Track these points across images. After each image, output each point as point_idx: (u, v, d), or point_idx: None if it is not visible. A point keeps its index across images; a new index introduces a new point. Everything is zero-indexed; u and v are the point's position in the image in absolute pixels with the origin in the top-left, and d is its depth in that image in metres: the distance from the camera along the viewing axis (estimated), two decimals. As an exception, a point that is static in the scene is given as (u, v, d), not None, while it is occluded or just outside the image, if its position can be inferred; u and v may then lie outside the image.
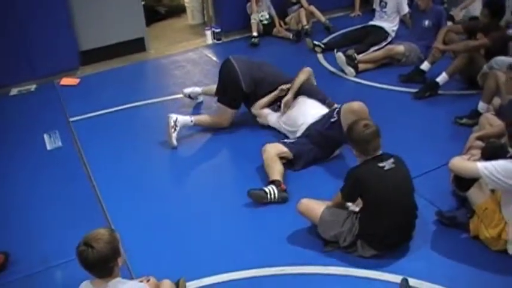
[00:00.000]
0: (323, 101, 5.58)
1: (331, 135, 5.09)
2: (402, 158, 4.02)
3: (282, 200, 4.69)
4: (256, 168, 5.20)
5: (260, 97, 5.89)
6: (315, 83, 5.97)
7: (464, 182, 4.07)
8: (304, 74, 5.82)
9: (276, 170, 4.90)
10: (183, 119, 5.77)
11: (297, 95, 5.68)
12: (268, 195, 4.66)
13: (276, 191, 4.68)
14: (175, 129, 5.67)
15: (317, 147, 5.21)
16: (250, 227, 4.53)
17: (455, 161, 4.03)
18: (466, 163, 3.98)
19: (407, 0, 8.14)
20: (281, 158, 5.03)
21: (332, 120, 5.11)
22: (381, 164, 3.85)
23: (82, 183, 5.23)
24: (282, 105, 5.65)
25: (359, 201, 4.01)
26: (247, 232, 4.46)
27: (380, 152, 3.94)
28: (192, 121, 5.83)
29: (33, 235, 4.59)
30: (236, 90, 5.76)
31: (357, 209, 4.08)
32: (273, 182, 4.77)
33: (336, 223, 4.02)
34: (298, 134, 5.38)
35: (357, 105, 4.95)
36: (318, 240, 4.16)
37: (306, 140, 5.24)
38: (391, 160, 3.90)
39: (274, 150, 5.04)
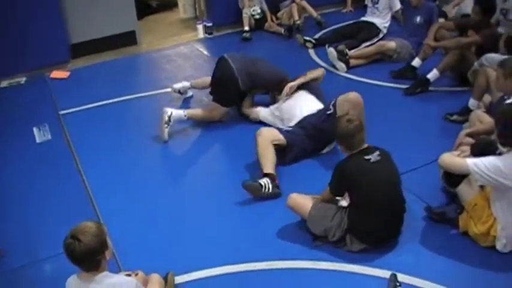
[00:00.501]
0: (322, 101, 5.56)
1: (326, 128, 5.04)
2: (388, 151, 4.03)
3: (275, 196, 4.67)
4: (247, 162, 5.18)
5: (255, 93, 5.93)
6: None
7: (454, 178, 4.08)
8: (318, 72, 5.87)
9: (270, 161, 4.87)
10: (177, 113, 5.75)
11: (300, 88, 5.67)
12: (263, 189, 4.63)
13: (270, 186, 4.66)
14: (168, 124, 5.64)
15: (310, 139, 5.20)
16: (239, 221, 4.52)
17: (444, 157, 4.03)
18: (455, 159, 3.99)
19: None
20: (274, 145, 4.99)
21: (328, 112, 5.11)
22: (367, 157, 3.87)
23: (72, 177, 5.21)
24: (286, 88, 5.60)
25: (347, 196, 4.02)
26: (236, 226, 4.46)
27: (365, 145, 3.95)
28: (185, 115, 5.81)
29: (21, 229, 4.58)
30: (233, 90, 5.75)
31: (346, 204, 4.08)
32: (267, 175, 4.75)
33: (325, 218, 4.02)
34: (291, 123, 5.36)
35: (352, 94, 5.01)
36: (307, 235, 4.15)
37: (300, 130, 5.22)
38: (377, 153, 3.91)
39: (269, 135, 5.01)
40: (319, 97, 5.61)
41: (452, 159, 4.01)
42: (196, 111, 5.99)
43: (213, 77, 5.96)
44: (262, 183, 4.65)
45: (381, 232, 3.95)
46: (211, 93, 6.02)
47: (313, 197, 4.19)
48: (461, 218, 4.10)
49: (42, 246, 4.33)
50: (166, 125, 5.63)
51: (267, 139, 4.97)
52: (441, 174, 4.43)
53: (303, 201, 4.16)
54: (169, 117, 5.65)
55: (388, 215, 3.94)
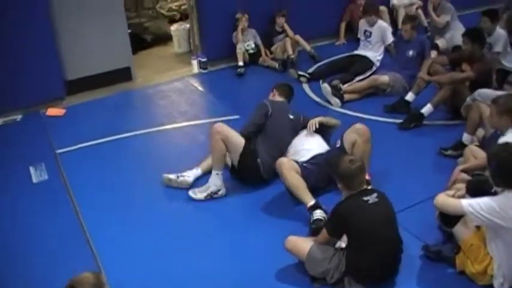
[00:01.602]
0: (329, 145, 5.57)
1: None
2: (385, 193, 4.05)
3: None
4: (244, 200, 5.26)
5: None
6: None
7: (450, 219, 4.11)
8: (336, 121, 5.76)
9: (306, 191, 4.89)
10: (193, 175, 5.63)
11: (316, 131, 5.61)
12: (324, 220, 4.62)
13: (324, 215, 4.67)
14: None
15: (321, 175, 5.16)
16: (237, 263, 4.51)
17: (440, 199, 4.07)
18: (450, 201, 4.01)
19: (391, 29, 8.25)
20: None
21: (337, 146, 5.20)
22: (365, 198, 3.90)
23: (69, 219, 5.19)
24: (309, 124, 5.54)
25: (345, 237, 4.03)
26: (234, 269, 4.44)
27: (364, 187, 3.98)
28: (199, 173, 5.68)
29: (18, 270, 4.55)
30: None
31: (344, 245, 4.09)
32: (315, 207, 4.77)
33: (323, 260, 4.03)
34: (302, 158, 5.30)
35: (359, 125, 5.16)
36: (305, 277, 4.15)
37: (313, 166, 5.20)
38: (375, 194, 3.94)
39: (291, 164, 5.00)
40: (328, 143, 5.61)
41: (447, 200, 4.03)
42: (207, 163, 5.67)
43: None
44: (321, 217, 4.68)
45: (379, 273, 3.96)
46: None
47: (311, 239, 4.21)
48: (458, 258, 4.12)
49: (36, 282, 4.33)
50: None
51: (292, 169, 4.98)
52: (437, 213, 4.46)
53: (301, 244, 4.17)
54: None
55: (386, 256, 3.95)
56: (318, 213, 4.72)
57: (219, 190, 5.34)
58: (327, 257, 4.02)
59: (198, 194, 5.37)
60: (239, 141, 5.36)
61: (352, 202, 3.91)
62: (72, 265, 4.49)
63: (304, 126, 5.62)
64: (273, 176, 5.39)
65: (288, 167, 4.97)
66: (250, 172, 5.46)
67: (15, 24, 7.32)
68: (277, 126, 5.53)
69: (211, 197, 5.33)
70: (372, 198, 3.87)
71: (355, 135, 5.06)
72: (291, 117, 5.65)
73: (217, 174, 5.31)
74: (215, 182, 5.31)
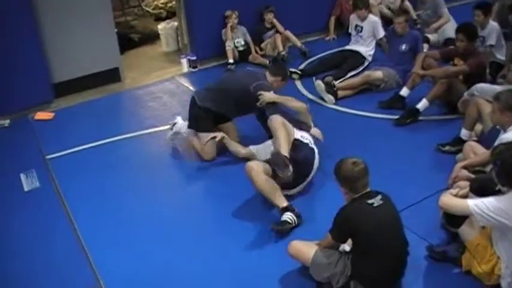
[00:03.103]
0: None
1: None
2: (388, 195, 3.96)
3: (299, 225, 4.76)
4: (241, 203, 5.18)
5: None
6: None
7: (455, 219, 4.05)
8: (300, 105, 5.89)
9: (278, 193, 4.89)
10: (181, 126, 6.23)
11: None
12: (293, 224, 4.70)
13: (295, 219, 4.72)
14: (171, 130, 6.25)
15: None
16: (238, 270, 4.41)
17: (444, 199, 4.00)
18: (456, 201, 3.95)
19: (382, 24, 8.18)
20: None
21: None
22: (369, 201, 3.80)
23: (64, 228, 5.07)
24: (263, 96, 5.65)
25: (350, 240, 3.95)
26: (235, 276, 4.35)
27: (368, 189, 3.89)
28: (184, 133, 6.20)
29: (9, 279, 4.47)
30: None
31: (348, 249, 4.02)
32: (286, 209, 4.77)
33: (329, 265, 3.95)
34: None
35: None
36: (310, 282, 4.08)
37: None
38: (379, 197, 3.84)
39: (260, 167, 4.95)
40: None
41: (452, 200, 3.97)
42: (194, 139, 6.08)
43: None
44: (290, 220, 4.69)
45: (385, 277, 3.88)
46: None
47: (313, 243, 4.12)
48: (464, 258, 4.08)
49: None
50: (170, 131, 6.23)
51: (262, 171, 4.92)
52: (441, 214, 4.40)
53: (305, 248, 4.09)
54: (173, 125, 6.21)
55: (393, 259, 3.88)
56: (288, 215, 4.72)
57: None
58: (332, 262, 3.95)
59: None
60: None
61: (356, 206, 3.81)
62: (69, 276, 4.45)
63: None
64: None
65: (257, 171, 4.91)
66: None
67: (0, 28, 7.16)
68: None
69: None
70: (376, 201, 3.78)
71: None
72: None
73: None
74: None
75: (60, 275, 4.46)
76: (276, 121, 5.14)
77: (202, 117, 5.91)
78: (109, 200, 5.46)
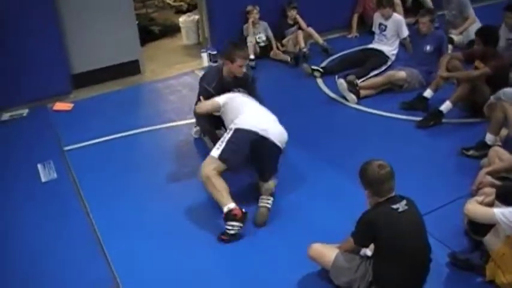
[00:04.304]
0: None
1: None
2: (413, 200, 3.86)
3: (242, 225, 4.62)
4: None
5: None
6: None
7: (481, 227, 3.96)
8: None
9: (223, 193, 4.71)
10: None
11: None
12: (236, 236, 4.60)
13: (236, 226, 4.57)
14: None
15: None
16: (258, 273, 4.31)
17: (470, 207, 3.92)
18: (482, 209, 3.87)
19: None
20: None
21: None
22: (394, 206, 3.70)
23: (78, 220, 5.04)
24: None
25: (372, 245, 3.87)
26: (255, 279, 4.25)
27: (393, 194, 3.79)
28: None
29: (25, 270, 4.43)
30: None
31: (369, 253, 3.93)
32: (228, 215, 4.60)
33: (349, 269, 3.87)
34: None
35: None
36: (329, 285, 4.01)
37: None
38: (404, 202, 3.75)
39: (208, 168, 4.79)
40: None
41: (478, 209, 3.89)
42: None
43: None
44: (228, 231, 4.59)
45: (407, 283, 3.79)
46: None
47: (334, 247, 4.04)
48: (488, 267, 3.97)
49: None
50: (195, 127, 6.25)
51: (208, 173, 4.76)
52: (466, 221, 4.30)
53: (326, 252, 4.01)
54: None
55: (416, 266, 3.77)
56: (229, 225, 4.60)
57: None
58: (353, 266, 3.87)
59: None
60: None
61: (380, 210, 3.71)
62: (84, 269, 4.41)
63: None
64: None
65: (205, 172, 4.78)
66: None
67: (21, 17, 7.16)
68: None
69: None
70: (401, 206, 3.68)
71: None
72: None
73: None
74: None
75: (74, 268, 4.41)
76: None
77: None
78: (126, 194, 5.41)
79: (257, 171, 5.12)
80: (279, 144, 4.96)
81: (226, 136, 4.92)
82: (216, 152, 4.84)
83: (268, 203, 4.86)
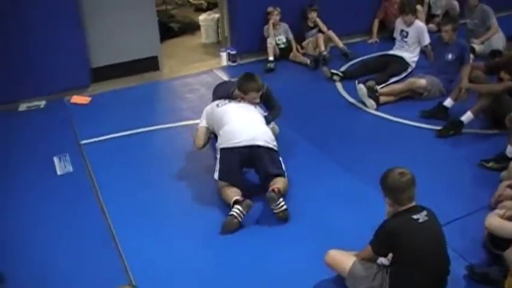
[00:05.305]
0: None
1: None
2: (433, 211, 3.81)
3: (248, 209, 4.73)
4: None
5: None
6: None
7: (501, 241, 3.89)
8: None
9: (232, 196, 4.85)
10: None
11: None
12: (237, 218, 4.69)
13: (241, 209, 4.69)
14: None
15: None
16: (273, 275, 4.26)
17: (492, 221, 3.87)
18: (503, 223, 3.83)
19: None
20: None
21: None
22: (415, 216, 3.65)
23: (93, 214, 5.03)
24: None
25: (390, 255, 3.81)
26: (269, 280, 4.21)
27: (414, 203, 3.74)
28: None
29: (38, 264, 4.42)
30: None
31: (387, 263, 3.88)
32: (235, 204, 4.75)
33: (366, 278, 3.82)
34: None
35: None
36: (345, 292, 3.96)
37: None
38: (425, 212, 3.70)
39: (219, 184, 5.07)
40: None
41: (501, 223, 3.85)
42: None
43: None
44: (234, 213, 4.69)
45: (424, 295, 3.75)
46: None
47: (351, 254, 3.99)
48: (507, 282, 3.89)
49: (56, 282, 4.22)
50: None
51: (219, 187, 5.04)
52: (485, 234, 4.23)
53: (342, 259, 3.96)
54: None
55: (433, 277, 3.72)
56: (234, 210, 4.72)
57: None
58: (370, 275, 3.81)
59: None
60: None
61: (401, 220, 3.66)
62: (97, 264, 4.39)
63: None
64: None
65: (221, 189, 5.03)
66: None
67: (42, 10, 7.18)
68: None
69: None
70: (421, 217, 3.63)
71: None
72: None
73: None
74: None
75: (88, 263, 4.39)
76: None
77: None
78: (142, 190, 5.39)
79: (259, 177, 5.20)
80: (266, 144, 5.06)
81: (217, 156, 5.16)
82: (215, 174, 5.09)
83: (280, 208, 4.79)
